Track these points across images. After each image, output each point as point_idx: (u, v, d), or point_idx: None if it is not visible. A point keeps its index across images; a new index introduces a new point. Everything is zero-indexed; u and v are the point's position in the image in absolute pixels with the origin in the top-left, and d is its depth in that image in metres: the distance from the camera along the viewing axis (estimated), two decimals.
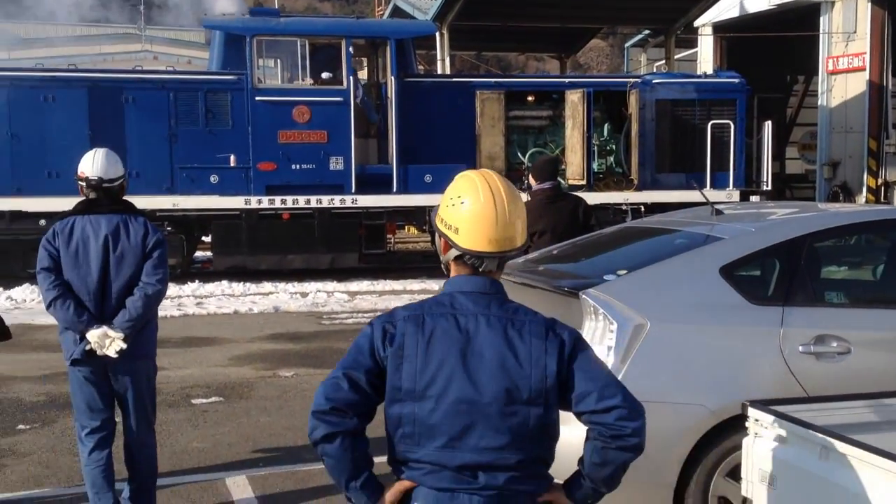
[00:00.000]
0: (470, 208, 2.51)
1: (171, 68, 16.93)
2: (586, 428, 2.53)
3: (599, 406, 2.45)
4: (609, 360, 4.19)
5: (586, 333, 4.28)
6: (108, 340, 4.57)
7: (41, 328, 10.89)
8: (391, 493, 2.48)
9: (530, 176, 7.51)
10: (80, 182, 4.79)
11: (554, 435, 2.54)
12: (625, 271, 4.54)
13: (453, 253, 2.54)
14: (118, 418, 4.92)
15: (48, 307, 4.67)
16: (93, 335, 4.57)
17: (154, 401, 5.00)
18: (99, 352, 4.59)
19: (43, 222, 13.65)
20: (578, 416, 2.50)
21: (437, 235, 2.63)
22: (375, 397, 2.48)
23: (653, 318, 4.25)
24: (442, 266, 2.64)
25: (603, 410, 2.45)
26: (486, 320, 2.47)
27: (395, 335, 2.45)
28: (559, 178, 7.54)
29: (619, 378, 3.96)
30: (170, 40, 47.08)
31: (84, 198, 4.81)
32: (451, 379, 2.41)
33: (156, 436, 5.04)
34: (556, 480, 2.59)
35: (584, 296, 4.28)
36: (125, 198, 4.92)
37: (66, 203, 13.33)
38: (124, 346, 4.58)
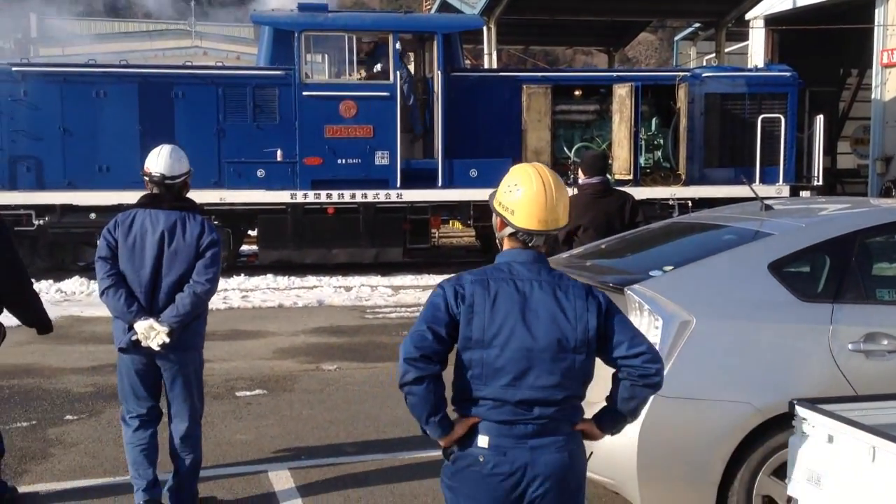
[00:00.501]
0: (524, 194, 3.06)
1: (220, 63, 17.04)
2: (614, 371, 3.12)
3: (630, 352, 3.04)
4: None
5: None
6: (153, 333, 4.66)
7: (90, 320, 11.07)
8: (461, 426, 3.03)
9: (579, 170, 7.43)
10: (144, 176, 4.89)
11: (590, 377, 3.09)
12: (671, 267, 4.47)
13: (508, 230, 3.10)
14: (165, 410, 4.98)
15: (101, 295, 4.79)
16: (140, 326, 4.66)
17: (201, 393, 5.06)
18: (143, 343, 4.68)
19: (93, 216, 13.89)
20: (612, 361, 3.09)
21: (493, 216, 3.17)
22: (451, 346, 3.00)
23: (699, 314, 4.18)
24: (497, 241, 3.21)
25: (633, 356, 3.04)
26: (538, 285, 3.05)
27: (466, 295, 3.00)
28: (607, 174, 7.43)
29: (665, 374, 3.94)
30: (219, 36, 47.57)
31: (149, 192, 4.91)
32: (513, 331, 2.98)
33: (201, 429, 5.08)
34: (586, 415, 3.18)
35: (629, 291, 4.23)
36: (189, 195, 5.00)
37: (115, 197, 13.74)
38: (167, 339, 4.66)
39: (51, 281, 13.51)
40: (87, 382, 7.94)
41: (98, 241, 4.86)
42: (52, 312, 11.55)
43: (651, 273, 4.43)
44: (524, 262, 3.08)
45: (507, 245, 3.15)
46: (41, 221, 13.89)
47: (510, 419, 2.99)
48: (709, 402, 4.16)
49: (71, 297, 12.90)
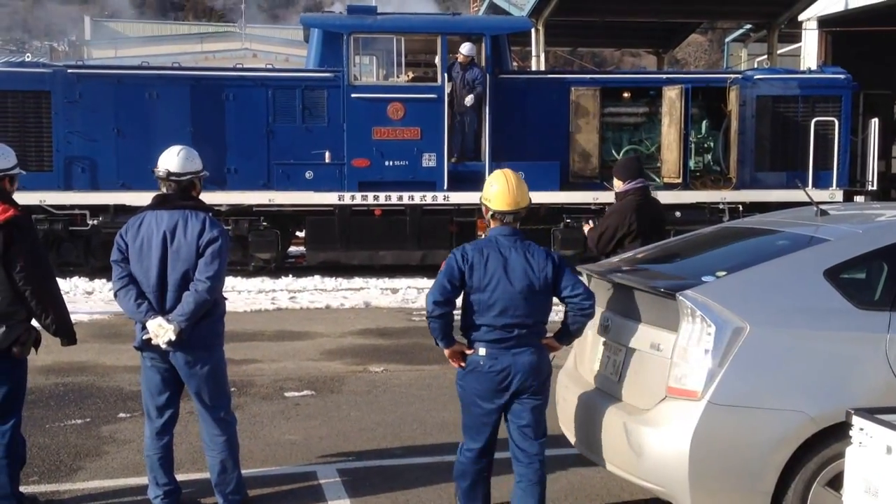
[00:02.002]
0: (497, 189, 4.70)
1: (270, 66, 17.20)
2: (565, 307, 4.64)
3: (573, 293, 4.56)
4: (706, 363, 4.10)
5: (682, 335, 4.19)
6: (161, 331, 4.74)
7: None
8: (459, 345, 4.62)
9: (615, 175, 7.35)
10: (154, 173, 5.02)
11: (549, 310, 4.65)
12: (724, 273, 4.42)
13: (491, 213, 4.71)
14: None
15: (115, 296, 4.93)
16: (151, 325, 4.77)
17: (221, 391, 5.04)
18: (153, 341, 4.76)
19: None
20: (562, 299, 4.61)
21: (482, 208, 4.80)
22: (459, 292, 4.56)
23: (753, 321, 4.13)
24: (486, 223, 4.81)
25: (574, 295, 4.56)
26: (514, 250, 4.59)
27: (468, 258, 4.55)
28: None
29: (717, 382, 3.93)
30: (268, 38, 48.07)
31: (159, 192, 5.02)
32: (499, 280, 4.51)
33: (231, 427, 5.08)
34: (548, 334, 4.67)
35: (681, 297, 4.18)
36: (218, 194, 5.06)
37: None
38: (173, 337, 4.73)
39: (104, 280, 13.70)
40: (138, 381, 7.97)
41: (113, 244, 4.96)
42: (105, 311, 11.85)
43: (704, 279, 4.38)
44: (504, 235, 4.64)
45: (492, 224, 4.74)
46: (95, 221, 14.13)
47: (498, 338, 4.52)
48: (762, 411, 4.11)
49: None
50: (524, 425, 4.56)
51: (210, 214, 4.98)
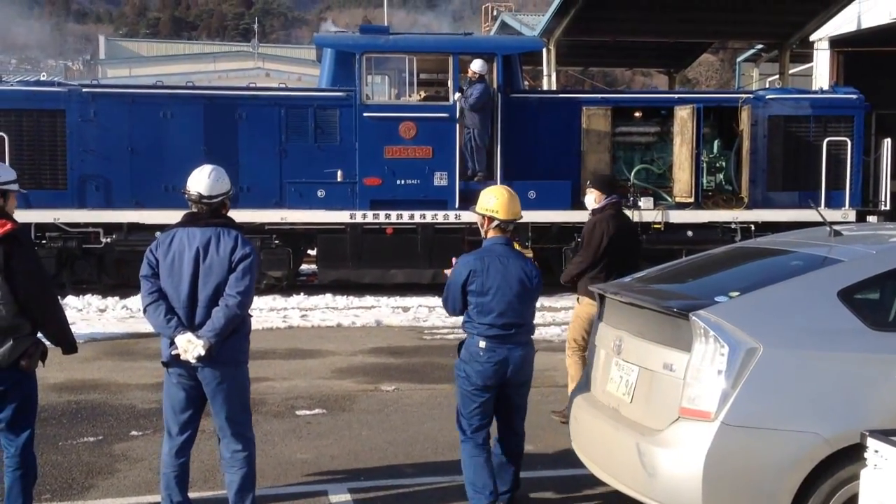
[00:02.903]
0: (500, 201, 5.43)
1: (283, 85, 17.30)
2: None
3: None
4: (719, 384, 4.09)
5: (695, 356, 4.18)
6: (190, 346, 4.77)
7: (155, 337, 11.23)
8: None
9: (593, 188, 7.58)
10: (185, 195, 5.06)
11: (535, 310, 5.52)
12: (737, 293, 4.41)
13: (495, 223, 5.43)
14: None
15: (144, 312, 4.99)
16: (179, 340, 4.79)
17: (245, 409, 5.08)
18: (182, 356, 4.79)
19: (159, 234, 14.11)
20: None
21: (480, 219, 5.51)
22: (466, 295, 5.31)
23: (766, 342, 4.12)
24: (483, 233, 5.53)
25: None
26: (511, 258, 5.35)
27: (471, 267, 5.28)
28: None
29: (730, 403, 3.92)
30: (281, 57, 48.39)
31: (189, 210, 5.07)
32: (499, 286, 5.25)
33: (252, 445, 5.09)
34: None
35: (694, 317, 4.18)
36: (231, 212, 5.18)
37: (180, 216, 13.91)
38: (202, 352, 4.75)
39: (117, 298, 13.80)
40: (151, 399, 8.07)
41: (143, 260, 5.03)
42: (117, 329, 11.89)
43: (717, 299, 4.37)
44: (502, 245, 5.41)
45: (491, 234, 5.45)
46: (109, 239, 14.20)
47: (497, 335, 5.26)
48: (776, 432, 4.09)
49: (136, 313, 13.12)
50: (517, 407, 5.49)
51: (241, 232, 5.06)
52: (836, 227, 5.23)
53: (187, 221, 5.02)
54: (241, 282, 4.88)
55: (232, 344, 4.93)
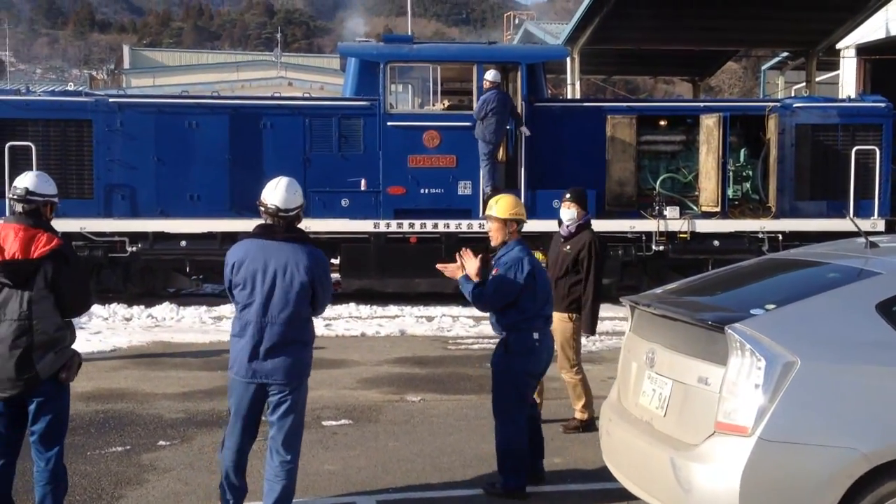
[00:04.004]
0: (520, 206, 6.16)
1: (307, 94, 17.35)
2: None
3: None
4: (756, 398, 4.02)
5: (731, 369, 4.12)
6: None
7: (180, 346, 11.29)
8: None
9: (573, 203, 7.67)
10: (260, 207, 5.07)
11: None
12: (773, 306, 4.34)
13: (520, 226, 6.16)
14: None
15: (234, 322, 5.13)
16: None
17: (300, 422, 5.15)
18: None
19: (184, 243, 14.22)
20: None
21: (508, 224, 6.12)
22: None
23: (804, 355, 4.05)
24: (507, 236, 6.12)
25: None
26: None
27: (533, 263, 6.01)
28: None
29: (767, 417, 3.85)
30: (303, 66, 48.55)
31: (263, 222, 5.11)
32: (546, 279, 6.16)
33: (298, 458, 5.14)
34: None
35: (730, 330, 4.11)
36: (252, 221, 5.20)
37: (205, 225, 14.05)
38: None
39: (142, 307, 13.85)
40: (178, 408, 8.08)
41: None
42: (143, 338, 11.96)
43: (752, 311, 4.31)
44: (524, 243, 6.15)
45: (514, 236, 6.08)
46: (134, 248, 14.26)
47: (544, 325, 6.04)
48: (814, 448, 4.02)
49: (161, 322, 13.18)
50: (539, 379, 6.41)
51: (313, 244, 5.13)
52: (873, 239, 5.15)
53: (261, 233, 5.05)
54: (325, 294, 5.09)
55: (304, 358, 5.07)
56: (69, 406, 5.04)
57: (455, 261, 6.09)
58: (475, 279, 5.97)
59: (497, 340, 6.18)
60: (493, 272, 5.93)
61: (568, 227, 7.67)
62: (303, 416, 5.20)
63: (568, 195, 7.77)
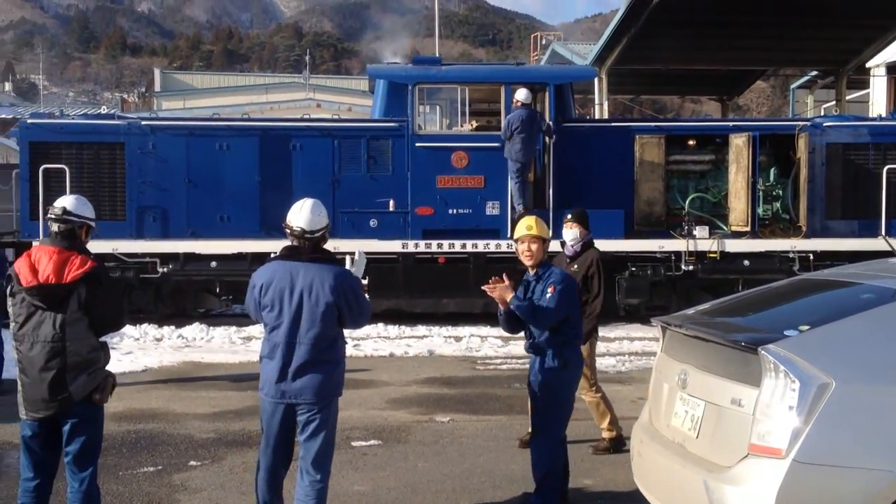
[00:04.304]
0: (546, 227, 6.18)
1: (336, 116, 17.48)
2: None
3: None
4: (790, 420, 3.98)
5: (765, 391, 4.09)
6: None
7: (210, 366, 11.36)
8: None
9: (576, 223, 7.68)
10: (286, 229, 5.12)
11: None
12: (807, 327, 4.30)
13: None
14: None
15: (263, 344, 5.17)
16: None
17: (330, 442, 5.15)
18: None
19: (214, 264, 14.33)
20: None
21: (542, 245, 6.10)
22: None
23: (838, 377, 4.01)
24: (538, 259, 6.08)
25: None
26: None
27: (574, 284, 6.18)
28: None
29: (802, 440, 3.81)
30: (331, 88, 48.90)
31: (289, 244, 5.16)
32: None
33: (328, 478, 5.15)
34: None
35: (763, 352, 4.08)
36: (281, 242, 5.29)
37: (235, 246, 14.15)
38: None
39: (172, 327, 13.95)
40: (209, 428, 8.12)
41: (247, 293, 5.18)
42: (174, 358, 12.03)
43: (786, 332, 4.27)
44: None
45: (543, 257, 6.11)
46: (165, 269, 14.39)
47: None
48: (848, 470, 3.97)
49: (192, 342, 13.27)
50: None
51: (339, 265, 5.16)
52: None
53: (288, 255, 5.10)
54: (361, 306, 5.14)
55: (336, 378, 5.11)
56: (103, 427, 5.07)
57: (485, 282, 6.05)
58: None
59: (527, 361, 6.16)
60: (550, 290, 5.84)
61: (573, 246, 7.70)
62: (333, 435, 5.20)
63: (569, 215, 7.85)
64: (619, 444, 7.38)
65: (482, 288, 5.99)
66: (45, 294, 4.75)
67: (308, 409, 5.00)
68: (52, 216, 4.98)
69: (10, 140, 20.07)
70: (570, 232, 7.67)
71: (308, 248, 5.07)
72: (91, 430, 4.91)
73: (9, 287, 4.87)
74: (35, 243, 13.85)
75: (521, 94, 14.13)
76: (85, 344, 4.83)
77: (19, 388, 4.85)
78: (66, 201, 5.03)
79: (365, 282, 5.40)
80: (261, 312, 5.07)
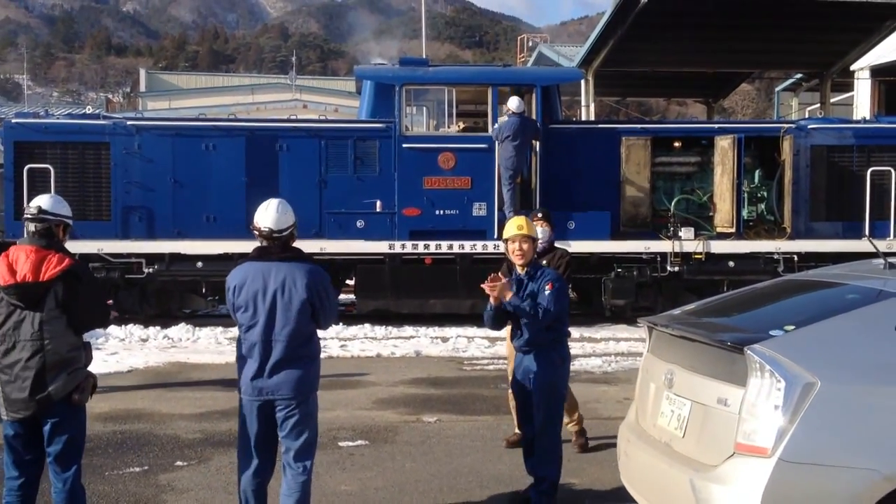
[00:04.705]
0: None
1: (323, 117, 17.46)
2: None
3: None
4: (776, 419, 4.01)
5: (751, 391, 4.11)
6: None
7: (196, 367, 11.34)
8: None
9: (545, 221, 7.90)
10: (254, 231, 5.16)
11: None
12: (792, 327, 4.33)
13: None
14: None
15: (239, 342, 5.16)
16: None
17: (312, 436, 5.18)
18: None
19: (200, 264, 14.30)
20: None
21: (532, 245, 6.19)
22: None
23: (824, 376, 4.04)
24: (527, 259, 6.09)
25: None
26: None
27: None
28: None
29: (787, 439, 3.84)
30: (318, 89, 48.82)
31: (259, 245, 5.19)
32: None
33: (311, 473, 5.14)
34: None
35: (749, 351, 4.11)
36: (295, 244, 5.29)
37: (221, 246, 14.13)
38: None
39: (158, 327, 13.91)
40: (195, 429, 8.11)
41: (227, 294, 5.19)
42: (159, 358, 12.00)
43: (772, 332, 4.30)
44: None
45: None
46: (151, 269, 14.35)
47: None
48: (834, 469, 4.00)
49: (178, 343, 13.24)
50: None
51: (312, 262, 5.20)
52: (892, 260, 5.14)
53: (258, 256, 5.14)
54: (330, 305, 5.14)
55: (314, 372, 5.13)
56: (85, 427, 5.05)
57: (481, 282, 6.09)
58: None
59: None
60: (548, 287, 5.92)
61: (542, 243, 7.75)
62: (314, 430, 5.21)
63: (539, 214, 8.07)
64: (582, 432, 7.61)
65: (481, 286, 6.00)
66: (23, 293, 4.75)
67: (286, 404, 5.02)
68: (29, 216, 4.99)
69: None
70: (542, 230, 7.72)
71: (277, 248, 5.12)
72: (72, 429, 4.90)
73: None
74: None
75: (513, 104, 14.16)
76: (64, 342, 4.82)
77: (0, 388, 4.83)
78: (42, 200, 5.03)
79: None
80: (235, 314, 5.09)
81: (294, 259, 5.12)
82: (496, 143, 14.23)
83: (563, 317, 6.08)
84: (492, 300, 5.97)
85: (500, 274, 6.18)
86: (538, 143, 14.52)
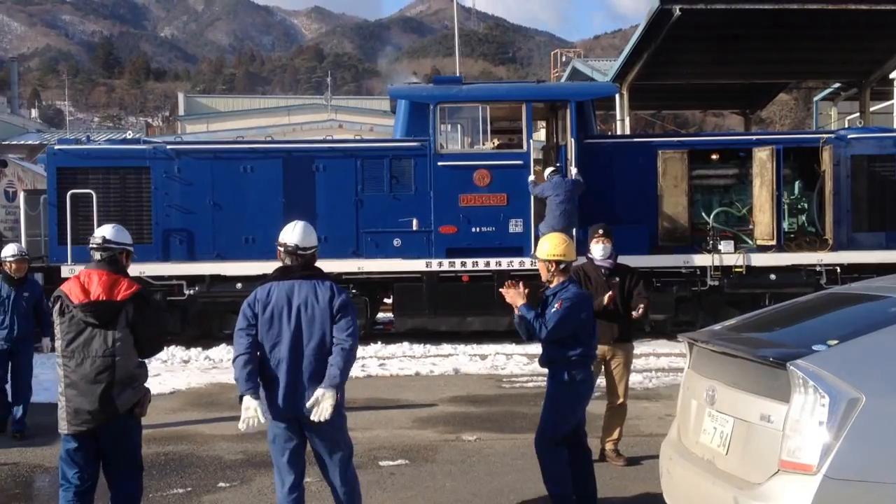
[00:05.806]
0: (563, 246, 6.28)
1: (358, 136, 17.58)
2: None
3: None
4: (820, 435, 3.95)
5: (794, 407, 4.06)
6: (258, 412, 4.98)
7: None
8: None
9: (607, 238, 7.91)
10: (279, 248, 5.29)
11: None
12: (836, 341, 4.27)
13: (563, 266, 6.26)
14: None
15: (233, 361, 5.19)
16: (247, 402, 5.01)
17: (347, 449, 5.26)
18: (243, 417, 5.02)
19: (239, 286, 14.41)
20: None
21: (550, 265, 6.25)
22: None
23: (869, 391, 3.98)
24: (550, 277, 6.28)
25: None
26: None
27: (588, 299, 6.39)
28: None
29: (832, 455, 3.78)
30: (353, 108, 49.14)
31: (281, 264, 5.30)
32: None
33: (357, 483, 5.26)
34: None
35: (792, 367, 4.06)
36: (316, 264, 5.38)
37: (260, 267, 14.23)
38: (330, 410, 4.96)
39: (199, 348, 14.04)
40: (237, 450, 8.16)
41: (239, 314, 5.22)
42: (201, 379, 12.08)
43: (814, 347, 4.25)
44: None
45: (562, 275, 6.24)
46: (192, 291, 14.51)
47: (591, 363, 6.27)
48: (881, 485, 3.93)
49: (219, 364, 13.34)
50: None
51: (333, 281, 5.28)
52: None
53: (280, 275, 5.23)
54: (349, 326, 5.13)
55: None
56: (142, 436, 5.33)
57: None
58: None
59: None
60: (557, 305, 5.98)
61: (609, 259, 7.78)
62: (348, 443, 5.30)
63: (601, 231, 7.98)
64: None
65: (500, 290, 6.21)
66: (98, 310, 5.05)
67: (317, 427, 5.08)
68: (94, 245, 5.29)
69: (37, 166, 20.29)
70: (605, 247, 7.78)
71: (299, 266, 5.22)
72: (133, 440, 5.22)
73: (56, 306, 5.14)
74: (64, 268, 14.01)
75: (547, 172, 14.21)
76: (131, 360, 5.14)
77: (62, 403, 5.09)
78: (106, 230, 5.35)
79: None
80: (258, 330, 5.11)
81: (316, 277, 5.23)
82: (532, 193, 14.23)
83: (581, 338, 6.06)
84: (514, 308, 6.08)
85: (519, 281, 6.22)
86: (574, 158, 14.46)
